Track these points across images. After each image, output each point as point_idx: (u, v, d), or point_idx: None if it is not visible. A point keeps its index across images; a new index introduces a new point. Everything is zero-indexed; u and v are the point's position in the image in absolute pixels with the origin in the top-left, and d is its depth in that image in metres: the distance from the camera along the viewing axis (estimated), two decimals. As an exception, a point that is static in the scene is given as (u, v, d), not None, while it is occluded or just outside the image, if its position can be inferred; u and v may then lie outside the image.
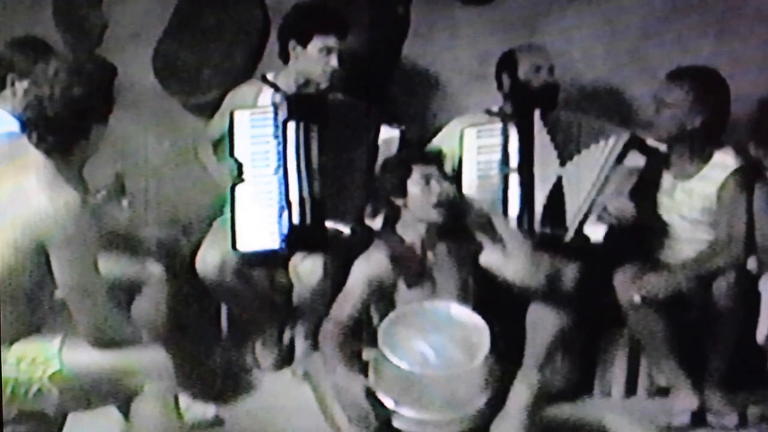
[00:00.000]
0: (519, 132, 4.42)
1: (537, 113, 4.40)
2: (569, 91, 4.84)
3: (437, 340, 3.58)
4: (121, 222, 4.25)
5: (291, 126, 4.33)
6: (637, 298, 4.10)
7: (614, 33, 4.92)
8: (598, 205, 4.29)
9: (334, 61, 4.54)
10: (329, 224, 4.35)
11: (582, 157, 4.35)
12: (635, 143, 4.30)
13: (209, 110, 4.87)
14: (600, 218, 4.29)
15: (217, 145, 4.63)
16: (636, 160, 4.29)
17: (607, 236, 4.28)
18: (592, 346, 4.47)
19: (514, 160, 4.42)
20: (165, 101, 5.42)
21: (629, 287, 4.16)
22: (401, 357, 3.51)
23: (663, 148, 4.32)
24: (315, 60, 4.55)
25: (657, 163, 4.33)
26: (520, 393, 3.62)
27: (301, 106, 4.41)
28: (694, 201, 4.28)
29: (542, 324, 3.97)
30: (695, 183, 4.27)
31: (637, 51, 4.88)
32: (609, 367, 4.49)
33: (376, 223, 4.28)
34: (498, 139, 4.46)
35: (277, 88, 4.62)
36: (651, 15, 4.86)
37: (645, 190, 4.33)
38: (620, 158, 4.29)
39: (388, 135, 4.45)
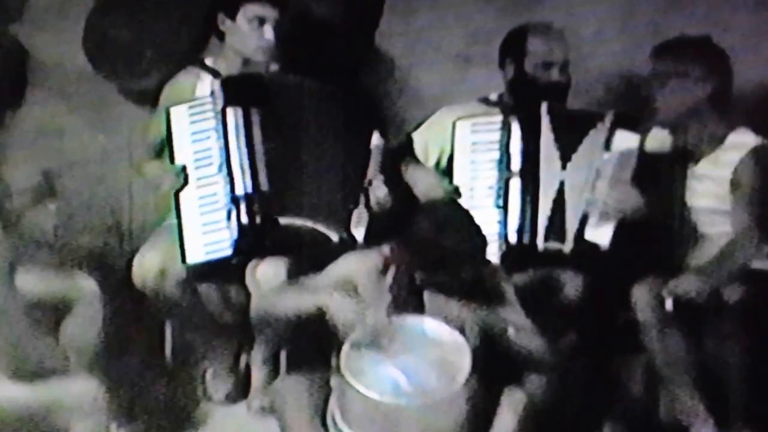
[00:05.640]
0: (522, 128, 4.24)
1: (544, 106, 4.24)
2: (578, 76, 4.54)
3: (409, 362, 3.36)
4: (47, 229, 4.33)
5: (230, 112, 4.14)
6: (669, 305, 3.82)
7: (631, 6, 4.75)
8: (594, 202, 4.12)
9: (269, 33, 4.31)
10: (285, 221, 4.13)
11: (578, 155, 4.21)
12: (622, 122, 4.17)
13: (151, 97, 4.61)
14: (602, 216, 4.08)
15: (159, 151, 4.40)
16: (627, 141, 4.14)
17: (615, 237, 4.06)
18: (602, 373, 4.18)
19: (516, 162, 4.25)
20: (98, 86, 5.11)
21: (652, 300, 3.87)
22: (368, 384, 3.29)
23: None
24: (246, 32, 4.33)
25: (666, 143, 4.18)
26: (505, 416, 3.41)
27: (239, 87, 4.22)
28: (707, 187, 4.09)
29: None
30: (710, 167, 4.08)
31: (658, 26, 4.65)
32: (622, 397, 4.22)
33: (358, 232, 4.16)
34: (497, 135, 4.29)
35: (217, 74, 4.40)
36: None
37: (654, 176, 4.14)
38: (608, 143, 4.16)
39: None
